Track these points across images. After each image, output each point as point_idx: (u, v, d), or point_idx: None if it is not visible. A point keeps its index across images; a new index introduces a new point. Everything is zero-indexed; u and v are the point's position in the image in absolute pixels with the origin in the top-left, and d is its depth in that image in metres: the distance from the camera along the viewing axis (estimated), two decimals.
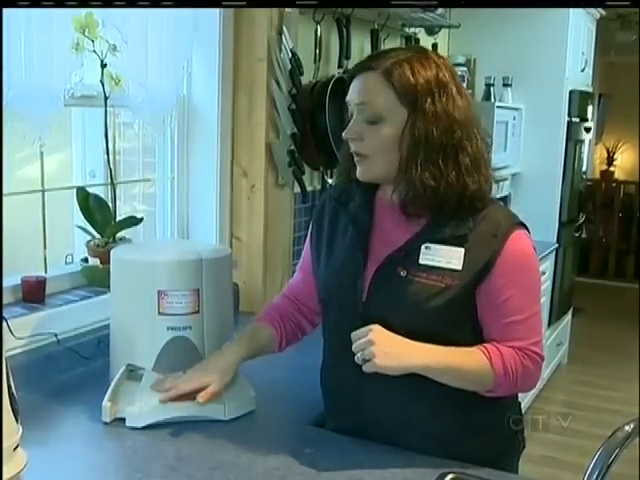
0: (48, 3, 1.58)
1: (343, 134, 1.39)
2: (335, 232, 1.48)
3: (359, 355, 1.27)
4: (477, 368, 1.32)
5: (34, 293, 1.85)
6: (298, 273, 1.64)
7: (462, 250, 1.33)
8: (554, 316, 4.29)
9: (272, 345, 1.57)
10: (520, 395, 1.54)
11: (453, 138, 1.32)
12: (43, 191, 1.96)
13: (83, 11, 1.80)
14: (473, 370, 1.32)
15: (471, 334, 1.37)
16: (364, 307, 1.39)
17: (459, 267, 1.33)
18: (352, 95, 1.38)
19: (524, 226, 1.39)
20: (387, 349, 1.27)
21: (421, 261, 1.34)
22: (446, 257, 1.33)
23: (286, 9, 2.30)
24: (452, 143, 1.32)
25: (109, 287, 1.64)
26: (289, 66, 2.35)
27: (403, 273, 1.35)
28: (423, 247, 1.35)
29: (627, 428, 0.99)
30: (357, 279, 1.39)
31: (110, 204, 2.04)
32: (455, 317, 1.35)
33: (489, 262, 1.33)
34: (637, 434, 0.98)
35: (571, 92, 4.13)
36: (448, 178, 1.32)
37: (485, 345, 1.34)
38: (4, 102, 1.56)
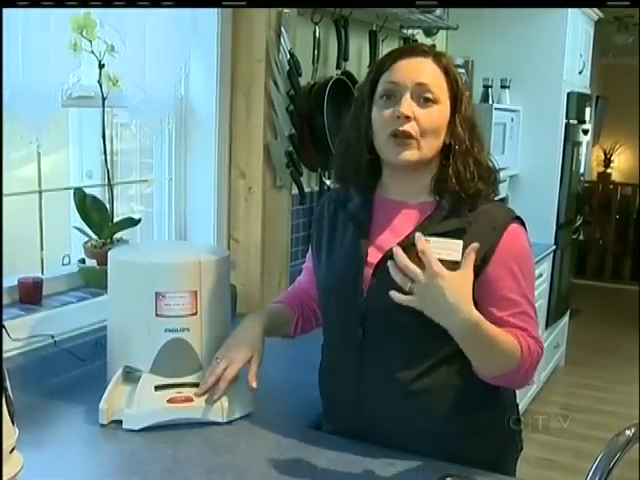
0: (48, 3, 1.58)
1: (398, 110, 1.34)
2: (335, 232, 1.48)
3: (409, 285, 1.19)
4: (510, 348, 1.29)
5: (31, 294, 1.84)
6: (304, 274, 1.65)
7: (461, 242, 1.34)
8: (551, 318, 4.28)
9: (289, 326, 1.58)
10: (517, 396, 1.54)
11: (477, 132, 1.41)
12: (40, 192, 1.96)
13: (81, 11, 1.79)
14: (507, 349, 1.29)
15: None
16: (365, 302, 1.39)
17: (458, 258, 1.33)
18: (404, 75, 1.36)
19: (521, 221, 1.41)
20: (448, 294, 1.19)
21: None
22: (446, 249, 1.34)
23: (284, 10, 2.30)
24: (478, 136, 1.41)
25: (106, 288, 1.63)
26: (287, 67, 2.34)
27: None
28: None
29: (628, 432, 0.98)
30: (358, 274, 1.40)
31: (107, 205, 2.03)
32: None
33: (487, 254, 1.34)
34: (637, 439, 0.98)
35: (569, 94, 4.14)
36: (485, 165, 1.40)
37: (513, 330, 1.32)
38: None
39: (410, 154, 1.36)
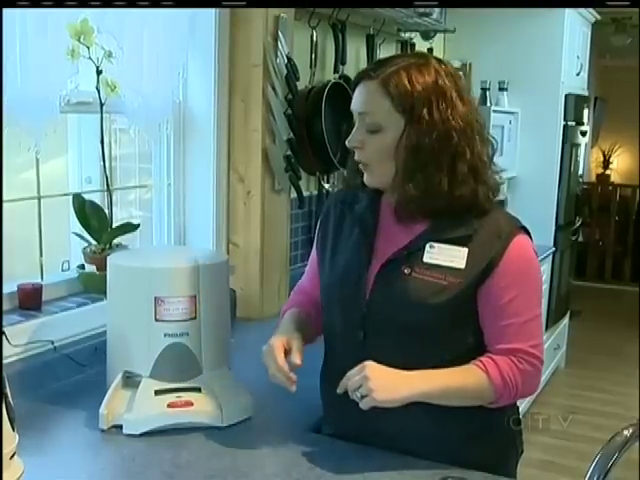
0: (48, 3, 1.58)
1: (346, 142, 1.41)
2: (340, 234, 1.49)
3: (357, 393, 1.28)
4: (476, 384, 1.33)
5: (30, 300, 1.84)
6: (307, 278, 1.63)
7: (466, 250, 1.34)
8: (551, 319, 4.29)
9: (310, 328, 1.51)
10: None
11: (450, 146, 1.33)
12: (39, 198, 1.96)
13: (78, 18, 1.80)
14: (472, 387, 1.33)
15: (472, 334, 1.38)
16: (367, 305, 1.39)
17: (462, 266, 1.34)
18: (354, 104, 1.40)
19: (526, 231, 1.40)
20: (383, 382, 1.28)
21: (425, 259, 1.35)
22: (450, 256, 1.35)
23: (282, 14, 2.31)
24: (448, 151, 1.33)
25: (106, 294, 1.64)
26: (285, 71, 2.35)
27: (407, 271, 1.36)
28: (427, 246, 1.36)
29: (626, 432, 0.98)
30: (361, 277, 1.40)
31: (106, 210, 2.03)
32: (457, 316, 1.36)
33: (491, 263, 1.34)
34: (636, 438, 0.98)
35: (567, 96, 4.14)
36: (439, 187, 1.33)
37: (480, 359, 1.35)
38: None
39: (369, 179, 1.42)
